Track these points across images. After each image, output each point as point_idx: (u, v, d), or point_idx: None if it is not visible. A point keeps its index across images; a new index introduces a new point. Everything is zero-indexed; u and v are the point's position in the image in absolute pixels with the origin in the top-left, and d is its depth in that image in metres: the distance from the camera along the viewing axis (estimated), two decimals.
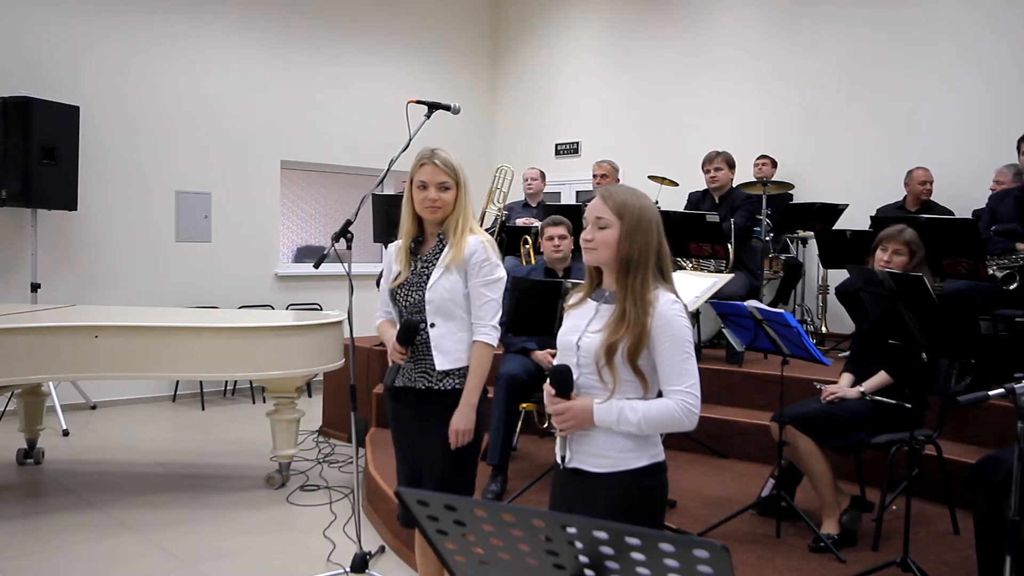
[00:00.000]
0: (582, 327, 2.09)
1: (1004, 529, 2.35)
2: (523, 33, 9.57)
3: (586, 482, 2.05)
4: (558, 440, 2.10)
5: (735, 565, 1.94)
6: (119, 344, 4.41)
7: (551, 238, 4.41)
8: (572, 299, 2.19)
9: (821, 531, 3.43)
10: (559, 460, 2.10)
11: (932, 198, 6.06)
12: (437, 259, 2.66)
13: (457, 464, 2.65)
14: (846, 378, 3.72)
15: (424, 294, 2.63)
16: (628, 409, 1.97)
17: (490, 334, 2.65)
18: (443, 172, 2.62)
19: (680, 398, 1.97)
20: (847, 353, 4.10)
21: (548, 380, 2.05)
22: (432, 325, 2.64)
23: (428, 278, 2.64)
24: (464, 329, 2.65)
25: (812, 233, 6.18)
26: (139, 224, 7.19)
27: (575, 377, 2.06)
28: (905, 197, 6.12)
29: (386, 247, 2.82)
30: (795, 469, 3.69)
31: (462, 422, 2.61)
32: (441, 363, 2.63)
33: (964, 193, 5.99)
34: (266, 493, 4.77)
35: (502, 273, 2.69)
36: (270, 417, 4.89)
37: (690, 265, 5.62)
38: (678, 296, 2.05)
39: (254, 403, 7.35)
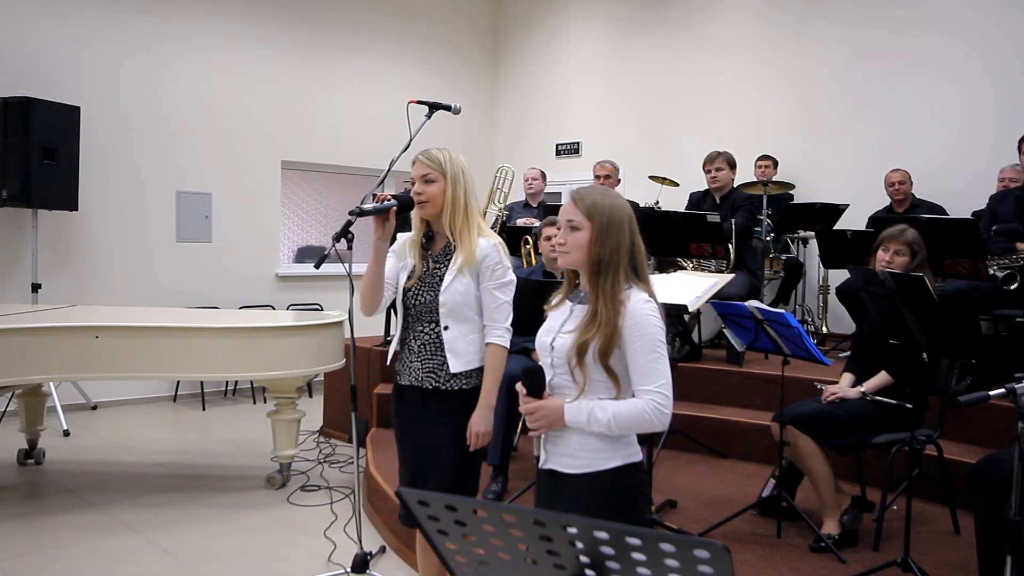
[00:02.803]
0: (556, 327, 2.10)
1: (1004, 529, 2.35)
2: (523, 33, 9.57)
3: (561, 483, 2.06)
4: (533, 441, 2.11)
5: (736, 565, 1.94)
6: (119, 344, 4.41)
7: (549, 238, 4.41)
8: (553, 300, 2.20)
9: (822, 531, 3.43)
10: (536, 461, 2.12)
11: (925, 197, 6.04)
12: (448, 260, 2.66)
13: (461, 464, 2.66)
14: (847, 378, 3.72)
15: (437, 296, 2.63)
16: (598, 409, 1.97)
17: (504, 336, 2.65)
18: (426, 165, 2.64)
19: (650, 398, 1.96)
20: (848, 353, 4.10)
21: (520, 380, 2.06)
22: (446, 328, 2.64)
23: (440, 280, 2.64)
24: (476, 331, 2.65)
25: (813, 233, 6.18)
26: (140, 224, 7.19)
27: (549, 378, 2.07)
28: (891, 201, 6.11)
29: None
30: (796, 469, 3.69)
31: (481, 424, 2.61)
32: (455, 365, 2.63)
33: (965, 193, 5.98)
34: (267, 493, 4.77)
35: (513, 276, 2.70)
36: (271, 417, 4.89)
37: (691, 265, 5.63)
38: (652, 295, 2.04)
39: (255, 403, 7.35)
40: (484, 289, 2.63)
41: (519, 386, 2.06)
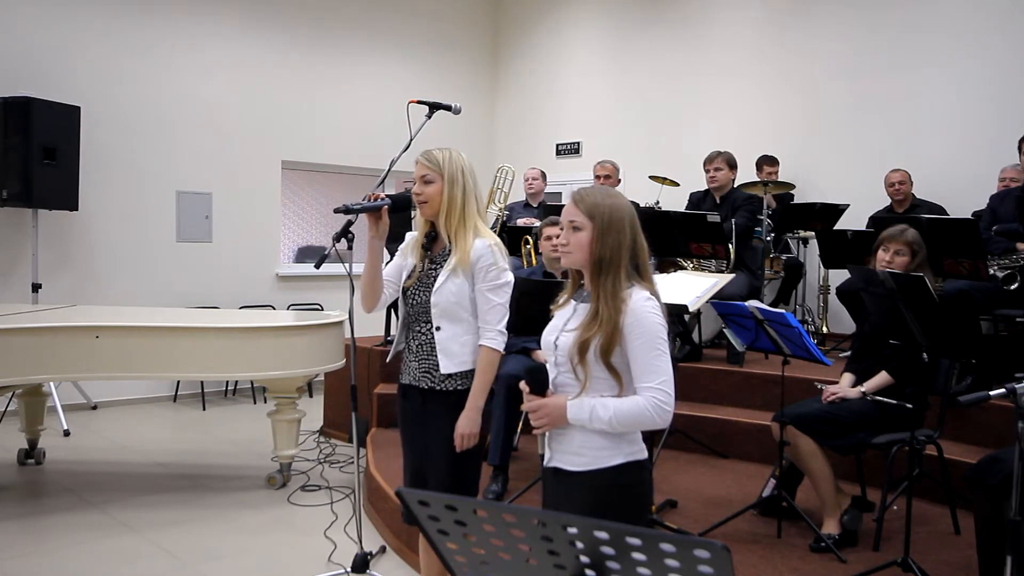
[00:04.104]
0: (560, 326, 2.12)
1: (1005, 529, 2.35)
2: (524, 33, 9.56)
3: (565, 481, 2.08)
4: (539, 439, 2.13)
5: (736, 565, 1.94)
6: (120, 344, 4.41)
7: (549, 238, 4.41)
8: (560, 300, 2.22)
9: (822, 531, 3.43)
10: (540, 459, 2.13)
11: (925, 197, 6.04)
12: (444, 261, 2.66)
13: (461, 464, 2.66)
14: (847, 378, 3.72)
15: (430, 297, 2.63)
16: (600, 406, 1.99)
17: (496, 339, 2.64)
18: (425, 166, 2.65)
19: (651, 395, 1.97)
20: (848, 353, 4.10)
21: (522, 379, 2.08)
22: (438, 328, 2.64)
23: (435, 280, 2.64)
24: (470, 332, 2.65)
25: (813, 233, 6.18)
26: (140, 224, 7.19)
27: (553, 376, 2.10)
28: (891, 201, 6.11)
29: (389, 252, 2.82)
30: (796, 469, 3.69)
31: (468, 426, 2.61)
32: (446, 366, 2.63)
33: (965, 193, 5.98)
34: (267, 493, 4.77)
35: (509, 277, 2.68)
36: (271, 417, 4.89)
37: (691, 265, 5.62)
38: (654, 294, 2.05)
39: (255, 403, 7.35)
40: (478, 291, 2.63)
41: (523, 385, 2.07)
